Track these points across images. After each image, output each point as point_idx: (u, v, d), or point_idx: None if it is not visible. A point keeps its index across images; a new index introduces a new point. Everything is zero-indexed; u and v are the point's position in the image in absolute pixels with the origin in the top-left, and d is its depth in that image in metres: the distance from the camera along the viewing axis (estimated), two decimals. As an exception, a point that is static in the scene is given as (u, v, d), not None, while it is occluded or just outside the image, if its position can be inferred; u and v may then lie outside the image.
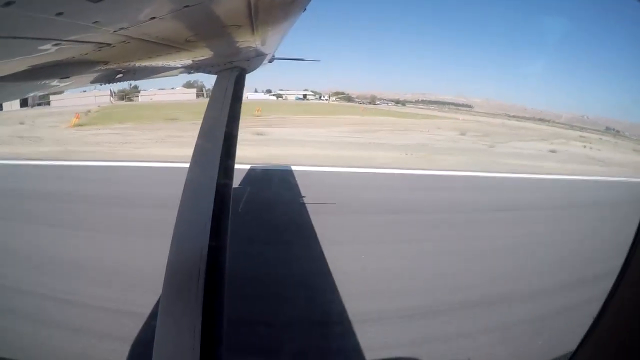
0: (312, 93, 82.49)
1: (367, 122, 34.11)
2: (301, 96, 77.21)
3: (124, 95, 57.63)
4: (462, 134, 31.16)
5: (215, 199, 2.41)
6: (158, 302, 2.27)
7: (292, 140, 21.40)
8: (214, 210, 2.36)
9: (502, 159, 20.94)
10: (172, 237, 2.37)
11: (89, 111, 31.85)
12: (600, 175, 19.21)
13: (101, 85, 2.76)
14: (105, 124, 26.07)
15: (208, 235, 2.23)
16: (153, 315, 4.71)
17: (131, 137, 21.31)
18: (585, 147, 33.50)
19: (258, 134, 22.14)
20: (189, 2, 1.21)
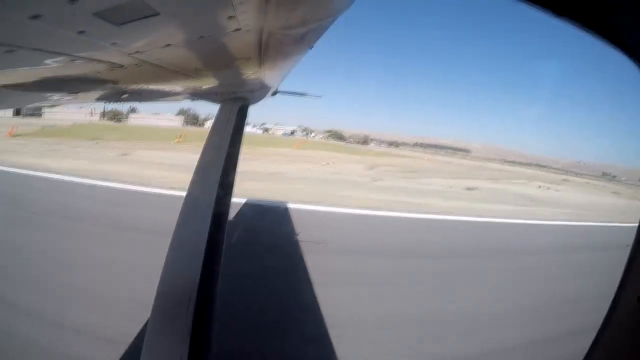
0: (300, 129, 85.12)
1: (298, 155, 36.57)
2: (289, 132, 79.55)
3: (113, 116, 60.64)
4: (371, 168, 31.98)
5: (210, 227, 2.39)
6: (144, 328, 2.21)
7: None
8: (208, 240, 2.33)
9: (379, 195, 19.92)
10: (165, 264, 2.33)
11: (53, 125, 35.32)
12: (513, 217, 17.86)
13: (106, 103, 2.79)
14: (41, 137, 28.04)
15: (201, 265, 2.20)
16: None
17: (42, 148, 22.17)
18: (539, 187, 34.66)
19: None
20: (205, 33, 1.27)
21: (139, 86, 2.31)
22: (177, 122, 66.53)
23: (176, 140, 34.86)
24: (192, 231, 2.42)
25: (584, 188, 42.57)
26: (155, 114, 62.41)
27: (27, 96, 1.95)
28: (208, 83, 2.60)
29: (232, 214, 3.48)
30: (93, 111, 53.56)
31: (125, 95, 2.60)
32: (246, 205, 12.59)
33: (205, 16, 1.09)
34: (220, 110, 3.28)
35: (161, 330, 2.09)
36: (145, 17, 0.94)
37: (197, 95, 3.35)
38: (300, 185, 19.57)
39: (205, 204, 2.52)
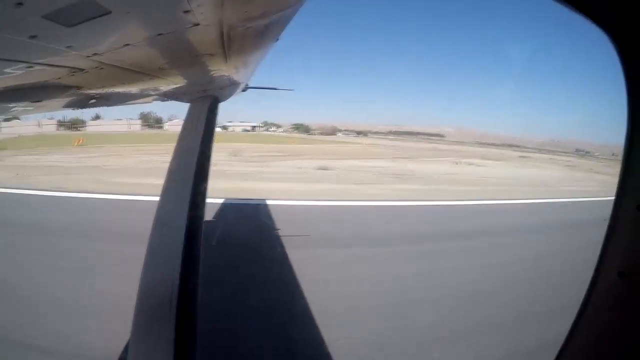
0: (261, 125, 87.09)
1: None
2: (249, 128, 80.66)
3: (71, 125, 61.65)
4: (235, 154, 32.10)
5: (187, 228, 2.38)
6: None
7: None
8: (185, 240, 2.32)
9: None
10: (143, 269, 2.31)
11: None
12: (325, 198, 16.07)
13: (74, 110, 2.73)
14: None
15: (179, 270, 2.19)
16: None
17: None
18: (456, 164, 35.98)
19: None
20: (162, 30, 1.25)
21: (105, 90, 2.27)
22: (137, 126, 67.75)
23: (75, 143, 36.58)
24: (169, 231, 2.40)
25: (535, 163, 43.77)
26: (117, 119, 63.31)
27: None
28: (175, 82, 2.56)
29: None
30: (40, 123, 53.62)
31: (92, 101, 2.55)
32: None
33: (160, 12, 1.07)
34: (190, 109, 3.25)
35: (145, 333, 2.08)
36: (97, 16, 0.93)
37: (166, 95, 3.31)
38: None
39: (181, 203, 2.50)
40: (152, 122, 74.01)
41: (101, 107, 2.89)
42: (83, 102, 2.53)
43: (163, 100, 3.74)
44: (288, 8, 1.51)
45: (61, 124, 61.86)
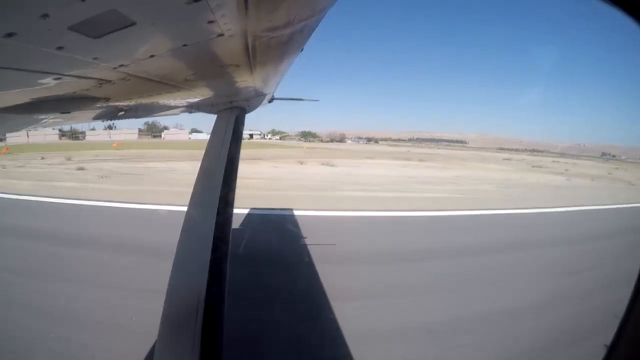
0: (259, 133, 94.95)
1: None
2: (247, 136, 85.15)
3: (72, 134, 68.67)
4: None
5: (214, 240, 2.38)
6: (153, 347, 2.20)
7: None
8: (212, 252, 2.33)
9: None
10: (169, 280, 2.32)
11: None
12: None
13: (103, 121, 2.81)
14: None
15: (206, 279, 2.18)
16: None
17: None
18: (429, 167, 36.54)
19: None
20: (187, 41, 1.25)
21: (133, 102, 2.31)
22: (134, 135, 74.60)
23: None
24: (196, 239, 2.42)
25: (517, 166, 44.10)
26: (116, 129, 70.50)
27: (20, 119, 1.95)
28: (201, 94, 2.59)
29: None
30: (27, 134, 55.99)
31: (121, 113, 2.61)
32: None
33: (184, 22, 1.07)
34: (217, 120, 3.28)
35: (170, 342, 2.08)
36: (122, 27, 0.93)
37: (193, 107, 3.36)
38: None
39: (208, 212, 2.51)
40: (145, 131, 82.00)
41: (128, 119, 2.95)
42: (112, 114, 2.58)
43: (190, 112, 3.80)
44: (312, 17, 1.50)
45: (63, 133, 68.26)
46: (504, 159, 54.99)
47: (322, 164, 34.72)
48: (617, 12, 1.25)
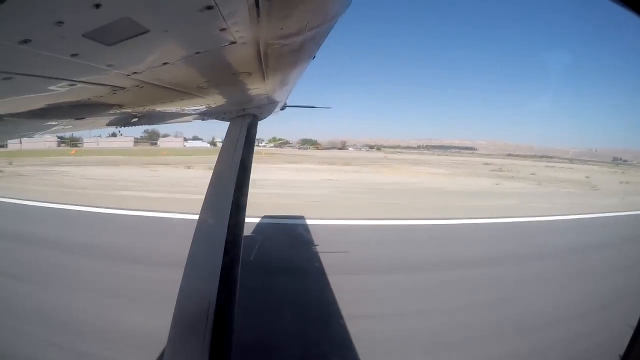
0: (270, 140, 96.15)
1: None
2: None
3: (69, 142, 71.05)
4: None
5: (226, 245, 2.39)
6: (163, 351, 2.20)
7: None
8: (224, 257, 2.33)
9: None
10: (181, 284, 2.33)
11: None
12: None
13: (117, 128, 2.84)
14: None
15: (217, 284, 2.19)
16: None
17: None
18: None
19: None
20: (200, 48, 1.26)
21: (146, 109, 2.33)
22: (130, 142, 76.29)
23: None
24: (208, 246, 2.42)
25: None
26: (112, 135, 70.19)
27: (35, 124, 1.99)
28: (214, 101, 2.61)
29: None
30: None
31: (134, 119, 2.64)
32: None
33: (197, 30, 1.08)
34: (230, 127, 3.29)
35: (180, 346, 2.08)
36: (135, 35, 0.94)
37: (206, 114, 3.38)
38: None
39: (220, 221, 2.52)
40: (143, 139, 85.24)
41: (142, 126, 2.99)
42: (126, 121, 2.61)
43: (203, 119, 3.83)
44: (324, 24, 1.49)
45: (62, 141, 70.34)
46: (485, 164, 54.10)
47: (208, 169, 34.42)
48: (630, 13, 1.22)
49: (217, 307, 2.11)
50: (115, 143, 67.53)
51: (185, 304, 2.23)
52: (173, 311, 2.20)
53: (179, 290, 2.30)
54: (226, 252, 2.35)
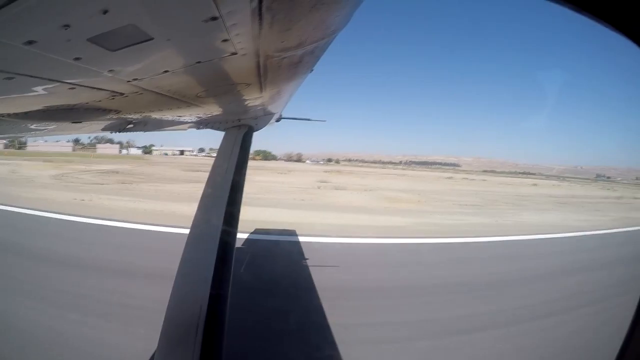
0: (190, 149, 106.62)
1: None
2: (178, 152, 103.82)
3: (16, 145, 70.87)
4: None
5: (217, 254, 2.38)
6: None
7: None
8: (216, 266, 2.32)
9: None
10: (172, 292, 2.31)
11: None
12: None
13: (112, 133, 2.84)
14: None
15: (209, 288, 2.18)
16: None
17: None
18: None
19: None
20: (201, 58, 1.28)
21: (143, 115, 2.33)
22: (69, 147, 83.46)
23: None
24: (200, 255, 2.41)
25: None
26: (57, 141, 77.66)
27: (32, 125, 1.98)
28: (211, 110, 2.61)
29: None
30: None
31: (130, 126, 2.64)
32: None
33: (200, 40, 1.09)
34: (225, 137, 3.30)
35: (170, 352, 2.05)
36: (140, 42, 0.96)
37: (201, 123, 3.38)
38: None
39: (213, 229, 2.51)
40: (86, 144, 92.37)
41: (136, 132, 2.99)
42: (121, 126, 2.61)
43: (198, 128, 3.83)
44: (323, 39, 1.52)
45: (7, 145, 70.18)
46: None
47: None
48: (619, 35, 1.25)
49: (208, 315, 2.10)
50: (57, 147, 73.47)
51: (175, 312, 2.21)
52: (163, 318, 2.18)
53: (170, 297, 2.28)
54: (218, 260, 2.35)
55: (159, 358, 2.06)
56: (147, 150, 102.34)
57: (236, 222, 2.74)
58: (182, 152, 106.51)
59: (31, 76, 1.03)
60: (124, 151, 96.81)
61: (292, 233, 13.29)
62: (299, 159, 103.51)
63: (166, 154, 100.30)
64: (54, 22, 0.76)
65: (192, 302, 2.15)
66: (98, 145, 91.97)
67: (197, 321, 2.04)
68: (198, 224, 2.67)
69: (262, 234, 12.79)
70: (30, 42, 0.81)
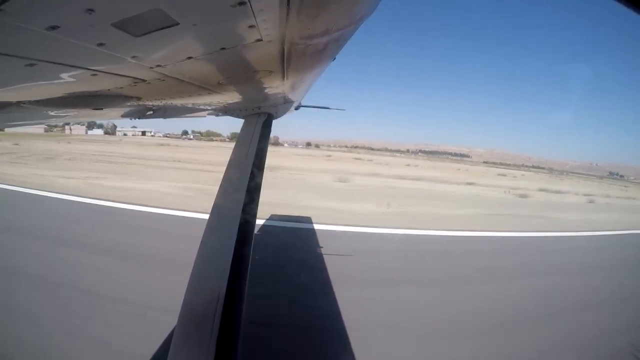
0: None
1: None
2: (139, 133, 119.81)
3: None
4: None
5: (236, 241, 2.38)
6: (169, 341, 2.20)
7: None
8: (234, 254, 2.32)
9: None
10: (190, 279, 2.32)
11: None
12: None
13: (131, 119, 2.85)
14: None
15: (227, 279, 2.17)
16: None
17: None
18: None
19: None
20: (226, 44, 1.24)
21: (163, 102, 2.33)
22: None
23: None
24: (218, 244, 2.41)
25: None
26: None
27: (52, 112, 1.99)
28: (232, 98, 2.59)
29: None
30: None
31: (149, 112, 2.63)
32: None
33: (226, 26, 1.05)
34: (245, 124, 3.28)
35: (185, 343, 2.07)
36: (165, 27, 0.93)
37: (221, 110, 3.36)
38: None
39: (231, 217, 2.51)
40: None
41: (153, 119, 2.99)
42: (141, 113, 2.61)
43: (217, 115, 3.82)
44: (349, 26, 1.47)
45: None
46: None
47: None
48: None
49: (226, 302, 2.11)
50: (31, 128, 74.41)
51: (193, 299, 2.22)
52: (180, 306, 2.20)
53: (188, 284, 2.29)
54: (237, 248, 2.35)
55: (176, 343, 2.07)
56: (108, 131, 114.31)
57: (255, 208, 2.74)
58: (143, 133, 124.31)
59: (53, 62, 1.01)
60: (90, 132, 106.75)
61: (308, 220, 13.31)
62: (276, 143, 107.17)
63: (125, 134, 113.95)
64: (78, 6, 0.73)
65: (210, 288, 2.16)
66: (67, 127, 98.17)
67: (214, 308, 2.05)
68: (218, 210, 2.68)
69: (278, 220, 12.76)
70: (52, 28, 0.79)
